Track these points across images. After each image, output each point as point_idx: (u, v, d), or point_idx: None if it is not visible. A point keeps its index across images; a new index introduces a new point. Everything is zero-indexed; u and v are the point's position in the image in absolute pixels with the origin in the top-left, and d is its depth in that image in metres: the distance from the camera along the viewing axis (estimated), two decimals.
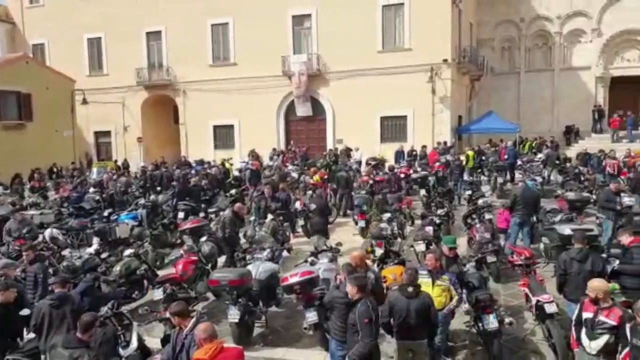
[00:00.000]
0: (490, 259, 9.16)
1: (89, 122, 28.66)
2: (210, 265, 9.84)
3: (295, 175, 19.08)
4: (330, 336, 6.00)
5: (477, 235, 10.40)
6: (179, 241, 12.51)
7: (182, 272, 8.81)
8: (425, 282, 6.03)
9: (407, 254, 9.87)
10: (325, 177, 17.88)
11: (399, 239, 11.21)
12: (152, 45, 27.95)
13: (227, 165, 21.27)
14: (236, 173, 20.62)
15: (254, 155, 23.71)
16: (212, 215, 13.28)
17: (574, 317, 5.56)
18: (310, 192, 15.62)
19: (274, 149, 24.87)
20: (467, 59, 24.98)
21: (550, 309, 6.63)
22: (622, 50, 26.85)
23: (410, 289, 5.62)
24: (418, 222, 12.28)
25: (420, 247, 9.60)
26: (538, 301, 6.84)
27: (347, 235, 12.57)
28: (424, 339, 5.65)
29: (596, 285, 5.23)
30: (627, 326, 5.03)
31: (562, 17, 27.21)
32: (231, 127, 26.92)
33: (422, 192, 15.82)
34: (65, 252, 10.39)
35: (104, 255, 9.74)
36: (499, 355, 6.60)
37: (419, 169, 18.52)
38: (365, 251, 10.17)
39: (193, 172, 19.88)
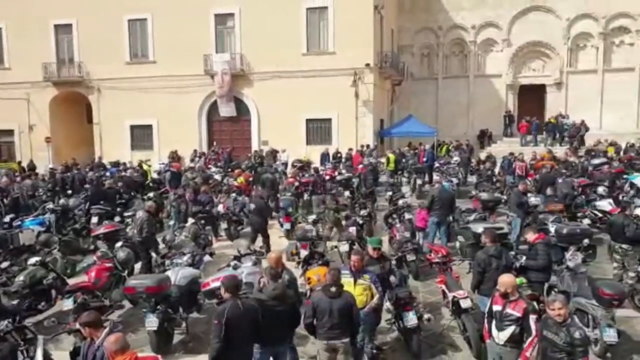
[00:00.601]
0: (410, 257, 9.47)
1: None
2: (126, 271, 9.48)
3: (218, 177, 18.67)
4: None
5: (397, 234, 10.73)
6: (92, 247, 11.84)
7: (95, 279, 8.40)
8: (347, 281, 6.08)
9: (332, 254, 9.94)
10: (250, 179, 17.67)
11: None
12: (61, 39, 26.19)
13: (145, 167, 20.40)
14: (155, 175, 19.83)
15: (174, 156, 22.95)
16: (129, 220, 12.64)
17: (486, 310, 5.84)
18: (234, 194, 15.38)
19: (195, 150, 24.23)
20: (389, 64, 25.72)
21: (465, 304, 6.96)
22: (529, 60, 28.89)
23: (333, 288, 5.65)
24: (342, 222, 12.44)
25: (344, 247, 9.74)
26: (454, 297, 7.15)
27: (273, 238, 12.45)
28: (347, 338, 5.69)
29: (505, 280, 5.52)
30: (531, 317, 5.40)
31: (476, 27, 28.81)
32: (149, 127, 25.86)
33: (347, 193, 16.06)
34: None
35: (4, 265, 8.98)
36: (418, 350, 6.83)
37: (343, 171, 18.80)
38: (291, 253, 10.20)
39: (108, 174, 18.87)
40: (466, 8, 28.76)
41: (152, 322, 7.04)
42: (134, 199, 15.47)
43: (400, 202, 13.31)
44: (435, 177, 18.20)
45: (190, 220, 11.67)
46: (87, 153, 26.13)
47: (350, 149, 22.03)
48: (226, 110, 24.91)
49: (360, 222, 11.72)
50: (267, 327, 5.48)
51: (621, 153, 21.62)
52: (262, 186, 15.71)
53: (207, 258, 9.55)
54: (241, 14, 24.21)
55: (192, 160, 22.88)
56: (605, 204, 12.92)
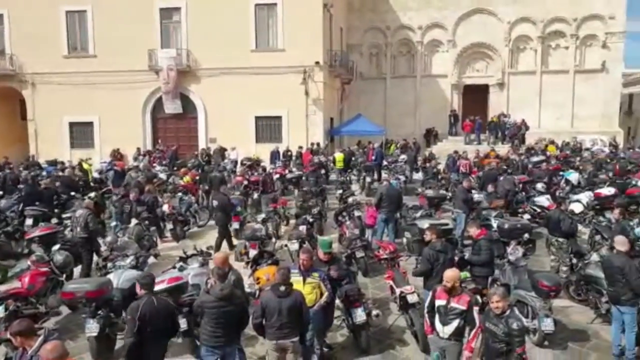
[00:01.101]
0: (359, 254, 9.54)
1: None
2: (64, 275, 9.00)
3: (163, 176, 18.12)
4: (200, 342, 5.75)
5: (347, 231, 10.78)
6: (26, 251, 11.18)
7: (29, 285, 7.94)
8: (296, 280, 6.03)
9: (281, 253, 9.86)
10: (197, 178, 17.25)
11: (273, 239, 11.18)
12: None
13: (85, 165, 19.51)
14: (96, 175, 19.01)
15: (116, 155, 22.09)
16: (67, 222, 12.03)
17: (426, 305, 5.88)
18: (180, 194, 14.97)
19: (139, 149, 23.42)
20: (338, 62, 25.85)
21: (412, 299, 7.08)
22: (472, 61, 29.86)
23: (282, 287, 5.59)
24: (293, 221, 12.38)
25: (294, 246, 9.68)
26: (401, 292, 7.25)
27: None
28: (297, 337, 5.66)
29: (450, 274, 5.60)
30: (474, 309, 5.55)
31: (423, 28, 29.46)
32: (90, 124, 24.74)
33: (297, 192, 15.98)
34: None
35: None
36: (367, 346, 6.89)
37: (294, 169, 18.70)
38: (240, 253, 10.03)
39: (44, 173, 17.91)
40: (413, 9, 29.35)
41: (92, 327, 6.76)
42: (73, 200, 14.73)
43: (350, 199, 13.40)
44: (384, 175, 18.46)
45: (134, 221, 11.24)
46: (21, 151, 24.72)
47: (301, 147, 21.99)
48: (172, 107, 24.23)
49: (311, 220, 11.71)
50: (215, 327, 5.40)
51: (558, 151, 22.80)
52: (209, 185, 15.37)
53: (151, 260, 9.25)
54: (187, 9, 23.62)
55: (135, 159, 22.09)
56: (544, 200, 13.52)
